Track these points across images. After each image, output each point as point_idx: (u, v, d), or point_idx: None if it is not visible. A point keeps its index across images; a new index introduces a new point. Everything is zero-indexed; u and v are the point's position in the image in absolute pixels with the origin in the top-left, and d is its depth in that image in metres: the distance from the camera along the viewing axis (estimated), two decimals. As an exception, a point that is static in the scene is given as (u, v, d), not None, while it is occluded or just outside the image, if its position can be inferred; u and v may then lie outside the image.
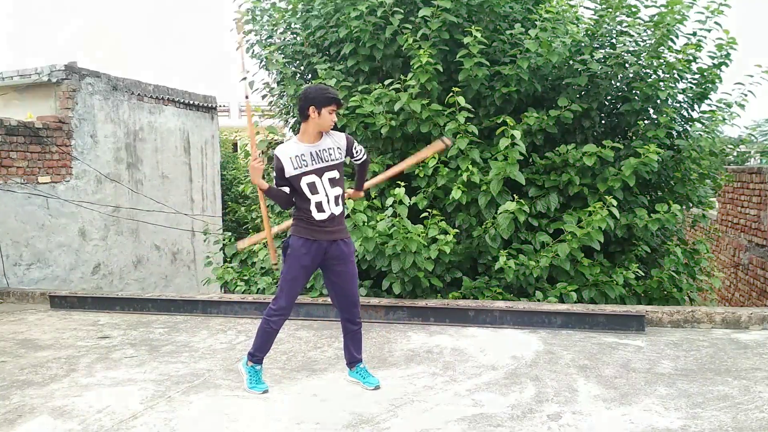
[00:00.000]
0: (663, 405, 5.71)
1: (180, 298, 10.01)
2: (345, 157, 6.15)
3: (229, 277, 10.83)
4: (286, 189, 6.06)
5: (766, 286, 11.73)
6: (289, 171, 5.92)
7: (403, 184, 9.31)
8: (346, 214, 6.67)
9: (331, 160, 6.00)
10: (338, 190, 6.05)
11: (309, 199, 5.96)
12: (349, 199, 7.19)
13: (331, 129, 6.05)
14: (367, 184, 7.02)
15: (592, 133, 10.65)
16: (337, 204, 6.04)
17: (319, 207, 5.97)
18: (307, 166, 5.93)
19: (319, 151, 5.98)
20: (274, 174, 6.03)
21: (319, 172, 5.96)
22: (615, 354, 7.25)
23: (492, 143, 9.85)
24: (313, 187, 5.95)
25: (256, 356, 6.31)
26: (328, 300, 7.16)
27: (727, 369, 6.68)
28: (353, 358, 6.40)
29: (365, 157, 6.42)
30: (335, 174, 6.03)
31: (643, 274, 9.71)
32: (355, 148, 6.22)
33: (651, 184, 10.68)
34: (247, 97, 6.67)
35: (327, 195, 5.98)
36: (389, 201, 9.22)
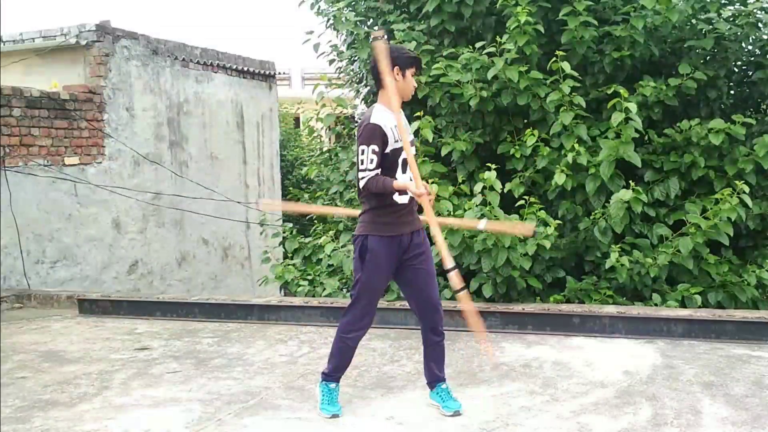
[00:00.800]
0: (804, 430, 5.68)
1: (232, 302, 10.11)
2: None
3: (290, 276, 10.77)
4: (379, 170, 5.88)
5: None
6: (391, 143, 5.83)
7: (494, 166, 9.24)
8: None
9: (410, 134, 6.01)
10: (408, 170, 5.99)
11: (398, 179, 5.91)
12: None
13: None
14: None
15: (719, 106, 10.62)
16: None
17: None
18: (400, 139, 5.86)
19: (404, 121, 5.96)
20: (374, 149, 5.75)
21: (407, 146, 5.89)
22: (746, 369, 7.21)
23: (602, 118, 9.86)
24: (405, 165, 5.91)
25: (332, 376, 6.27)
26: (407, 305, 7.14)
27: None
28: (434, 377, 6.29)
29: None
30: (413, 151, 5.99)
31: (779, 273, 9.57)
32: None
33: (789, 165, 10.50)
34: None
35: (405, 175, 5.94)
36: (478, 187, 9.10)
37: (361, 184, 5.76)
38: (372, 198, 5.88)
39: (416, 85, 6.01)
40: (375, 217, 5.95)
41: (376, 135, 5.72)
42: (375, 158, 5.69)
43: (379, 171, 5.74)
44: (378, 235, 5.88)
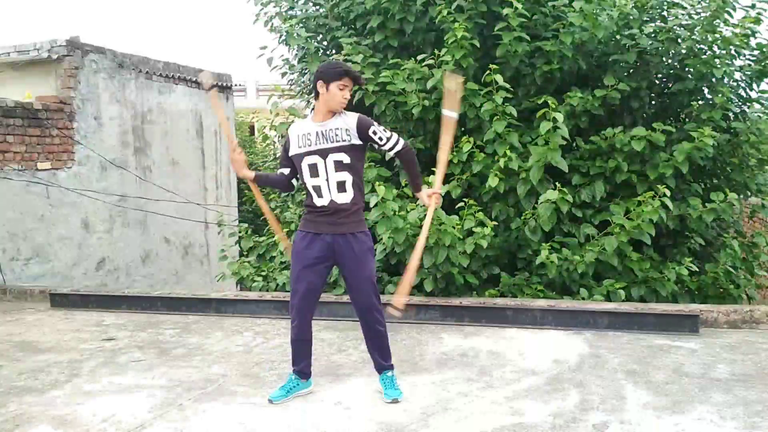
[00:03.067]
0: (719, 413, 5.69)
1: (192, 296, 10.08)
2: (360, 141, 5.97)
3: (246, 272, 10.79)
4: (286, 170, 6.14)
5: (833, 282, 11.65)
6: (294, 149, 5.97)
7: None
8: (361, 205, 6.46)
9: (337, 141, 5.92)
10: (344, 176, 5.95)
11: (306, 184, 5.98)
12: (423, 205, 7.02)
13: (348, 110, 6.03)
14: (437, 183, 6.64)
15: (641, 115, 10.66)
16: (341, 191, 5.95)
17: (318, 191, 5.96)
18: (310, 145, 5.92)
19: (326, 130, 5.93)
20: (282, 147, 6.10)
21: (323, 153, 5.91)
22: (666, 357, 7.24)
23: (532, 126, 9.83)
24: (314, 169, 5.93)
25: (292, 366, 6.31)
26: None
27: (789, 374, 6.66)
28: (379, 365, 6.32)
29: (399, 147, 6.10)
30: (342, 157, 5.92)
31: (697, 270, 9.62)
32: (375, 133, 5.94)
33: (705, 171, 10.61)
34: (214, 86, 6.70)
35: (328, 179, 5.93)
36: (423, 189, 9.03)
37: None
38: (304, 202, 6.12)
39: (347, 96, 5.96)
40: (303, 215, 6.14)
41: (286, 140, 6.12)
42: (281, 156, 6.26)
43: (282, 169, 6.21)
44: (300, 230, 6.07)
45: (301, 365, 6.31)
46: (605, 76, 10.06)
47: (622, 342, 7.86)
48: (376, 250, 9.28)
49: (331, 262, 6.13)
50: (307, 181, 5.97)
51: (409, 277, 6.15)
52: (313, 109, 6.17)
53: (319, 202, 5.96)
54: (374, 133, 5.94)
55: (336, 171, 5.93)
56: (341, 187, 5.95)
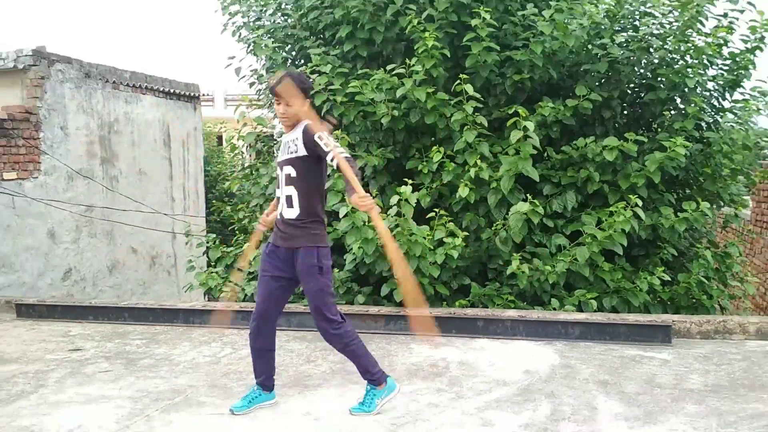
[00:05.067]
0: (691, 424, 5.71)
1: (159, 306, 10.03)
2: (306, 152, 5.85)
3: (214, 282, 10.72)
4: None
5: (805, 292, 11.73)
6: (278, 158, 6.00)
7: (410, 182, 9.25)
8: (320, 219, 6.35)
9: (290, 153, 5.93)
10: (290, 190, 5.93)
11: (276, 192, 6.04)
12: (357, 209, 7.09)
13: (315, 120, 6.01)
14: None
15: (613, 125, 10.67)
16: (289, 206, 5.94)
17: (279, 202, 6.02)
18: (279, 156, 5.99)
19: (286, 141, 5.99)
20: None
21: (281, 165, 5.96)
22: (638, 368, 7.26)
23: (503, 136, 9.84)
24: (285, 180, 5.94)
25: (255, 378, 6.31)
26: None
27: (762, 385, 6.69)
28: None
29: (335, 162, 5.73)
30: (290, 170, 5.91)
31: (669, 280, 9.66)
32: (318, 144, 5.73)
33: (678, 180, 10.67)
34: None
35: (282, 192, 5.97)
36: (394, 199, 9.07)
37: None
38: None
39: (279, 109, 5.96)
40: None
41: None
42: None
43: None
44: (268, 240, 6.10)
45: (262, 377, 6.30)
46: (577, 86, 10.06)
47: (593, 352, 7.87)
48: (345, 260, 9.31)
49: (289, 275, 6.08)
50: (277, 191, 6.05)
51: (408, 288, 6.20)
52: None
53: (279, 212, 6.02)
54: (319, 145, 5.71)
55: (285, 185, 5.94)
56: (288, 201, 5.95)
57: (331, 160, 5.79)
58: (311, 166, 5.93)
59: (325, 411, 6.18)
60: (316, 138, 5.73)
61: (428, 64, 9.55)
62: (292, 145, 5.91)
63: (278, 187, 6.01)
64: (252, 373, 6.28)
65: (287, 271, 6.03)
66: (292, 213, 5.92)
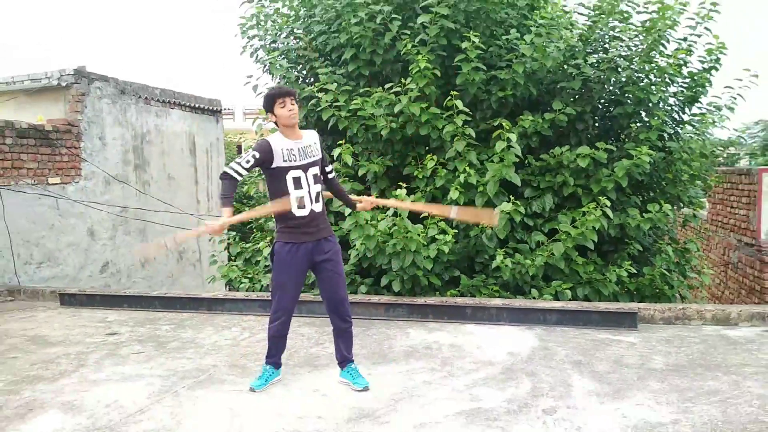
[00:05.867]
0: (655, 400, 5.72)
1: (186, 295, 10.05)
2: (321, 155, 6.16)
3: (234, 275, 10.78)
4: (244, 175, 6.01)
5: (755, 284, 11.72)
6: (278, 162, 5.88)
7: (405, 185, 9.30)
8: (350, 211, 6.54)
9: (313, 156, 6.02)
10: (319, 187, 6.05)
11: (291, 195, 5.91)
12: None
13: (323, 133, 6.07)
14: (376, 201, 6.89)
15: (585, 136, 10.63)
16: (317, 200, 6.01)
17: (301, 203, 5.93)
18: (295, 161, 5.91)
19: (304, 147, 5.99)
20: (253, 157, 5.85)
21: (305, 168, 5.95)
22: (608, 350, 7.25)
23: (489, 146, 9.78)
24: (297, 183, 5.91)
25: (268, 359, 6.35)
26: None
27: (717, 364, 6.68)
28: (344, 358, 6.34)
29: (334, 173, 6.45)
30: (317, 170, 6.06)
31: (635, 272, 9.68)
32: (322, 151, 6.20)
33: (643, 185, 10.65)
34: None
35: (310, 191, 5.96)
36: (390, 201, 9.04)
37: (225, 169, 5.89)
38: (277, 215, 6.03)
39: (291, 108, 5.92)
40: (280, 227, 6.07)
41: (261, 147, 5.87)
42: (251, 161, 5.84)
43: (239, 176, 5.92)
44: (282, 241, 6.00)
45: (276, 358, 6.37)
46: (553, 101, 10.09)
47: (568, 336, 7.86)
48: (350, 255, 9.33)
49: (309, 266, 6.13)
50: (292, 192, 5.92)
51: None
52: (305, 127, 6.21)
53: (300, 212, 5.94)
54: (324, 152, 6.13)
55: (314, 183, 5.99)
56: (318, 197, 6.02)
57: (332, 175, 6.29)
58: (321, 167, 6.17)
59: (332, 388, 6.19)
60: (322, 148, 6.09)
61: (422, 82, 9.53)
62: (313, 149, 6.03)
63: (297, 188, 5.93)
64: (272, 356, 6.29)
65: (309, 263, 6.07)
66: (319, 207, 6.03)
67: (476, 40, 9.45)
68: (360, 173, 10.02)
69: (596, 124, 11.12)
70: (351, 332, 6.32)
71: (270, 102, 5.94)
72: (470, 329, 8.30)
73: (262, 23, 11.58)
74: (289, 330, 6.26)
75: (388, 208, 9.17)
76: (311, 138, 6.09)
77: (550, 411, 5.52)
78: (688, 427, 5.14)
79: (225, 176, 5.85)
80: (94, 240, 14.10)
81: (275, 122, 6.02)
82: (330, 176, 6.37)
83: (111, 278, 14.64)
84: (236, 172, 5.83)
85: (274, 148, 5.87)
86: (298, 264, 6.01)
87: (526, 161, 10.10)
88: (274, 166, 5.89)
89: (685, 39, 10.51)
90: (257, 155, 5.85)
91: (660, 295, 9.76)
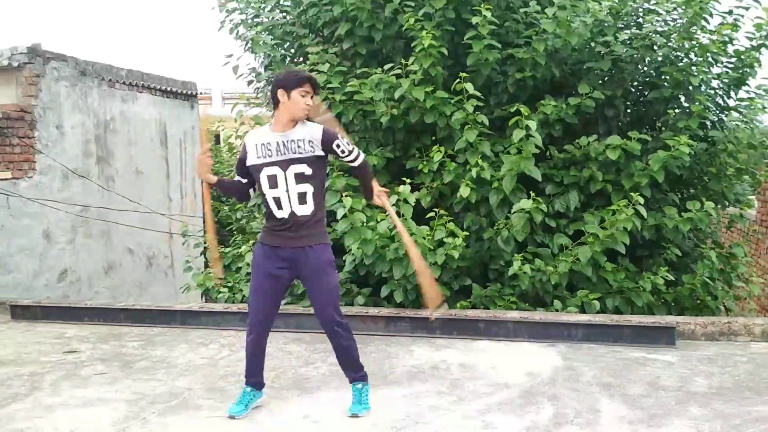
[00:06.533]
0: (696, 427, 5.72)
1: (156, 307, 10.04)
2: (324, 152, 6.02)
3: (211, 283, 10.76)
4: (243, 180, 6.12)
5: (810, 294, 11.72)
6: (252, 159, 5.94)
7: (408, 181, 9.29)
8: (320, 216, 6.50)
9: (299, 153, 5.92)
10: (306, 187, 5.95)
11: (266, 195, 5.94)
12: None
13: (311, 120, 6.05)
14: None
15: (616, 124, 10.66)
16: (302, 202, 5.95)
17: (278, 203, 5.93)
18: (271, 156, 5.91)
19: (287, 141, 5.93)
20: (239, 158, 6.12)
21: (284, 165, 5.91)
22: (642, 370, 7.25)
23: (504, 135, 9.80)
24: (273, 181, 5.91)
25: (248, 380, 6.33)
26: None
27: (767, 387, 6.68)
28: (350, 377, 6.33)
29: (360, 160, 6.22)
30: (304, 169, 5.93)
31: (673, 281, 9.61)
32: (339, 146, 6.00)
33: (682, 180, 10.60)
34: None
35: (288, 191, 5.91)
36: (392, 199, 8.95)
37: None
38: (265, 214, 6.07)
39: (309, 103, 5.94)
40: (263, 227, 6.17)
41: (242, 147, 6.06)
42: (237, 163, 6.14)
43: (239, 177, 6.17)
44: (259, 242, 6.09)
45: (257, 377, 6.36)
46: (579, 84, 10.03)
47: (596, 354, 7.87)
48: (345, 261, 9.30)
49: (291, 275, 6.15)
50: (266, 192, 5.95)
51: (427, 281, 6.36)
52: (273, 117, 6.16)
53: (278, 214, 5.94)
54: (338, 146, 5.99)
55: (296, 183, 5.93)
56: (302, 198, 5.95)
57: (354, 160, 6.13)
58: (323, 165, 6.11)
59: (324, 414, 6.19)
60: (339, 141, 6.00)
61: (426, 62, 9.51)
62: (304, 144, 5.94)
63: (272, 187, 5.94)
64: (248, 374, 6.29)
65: (289, 271, 6.06)
66: (306, 210, 5.94)
67: (489, 14, 9.40)
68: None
69: (628, 111, 11.10)
70: (347, 350, 6.26)
71: (295, 82, 5.89)
72: (483, 346, 8.31)
73: (244, -6, 11.56)
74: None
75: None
76: (309, 133, 5.98)
77: (575, 440, 5.52)
78: (734, 458, 5.15)
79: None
80: (50, 243, 14.04)
81: (277, 104, 5.97)
82: (355, 165, 6.24)
83: (70, 287, 14.56)
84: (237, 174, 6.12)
85: (248, 144, 5.98)
86: (269, 269, 6.03)
87: (548, 153, 10.11)
88: (248, 164, 5.96)
89: (730, 12, 10.42)
90: (239, 156, 6.06)
91: (702, 307, 9.73)
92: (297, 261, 6.00)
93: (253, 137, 6.02)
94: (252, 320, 6.15)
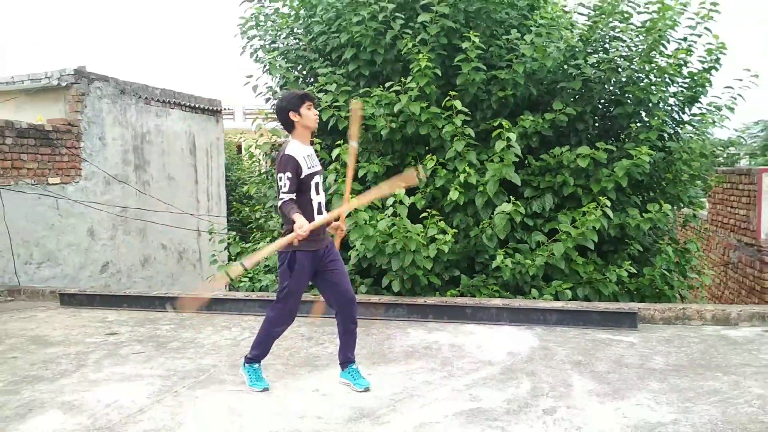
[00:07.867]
0: (655, 400, 5.72)
1: (186, 295, 9.97)
2: None
3: (234, 275, 10.69)
4: (294, 195, 5.91)
5: (755, 284, 11.72)
6: (305, 170, 5.85)
7: (404, 186, 9.25)
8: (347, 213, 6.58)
9: (317, 165, 6.05)
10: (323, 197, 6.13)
11: (312, 200, 5.90)
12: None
13: (323, 132, 6.07)
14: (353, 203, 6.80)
15: (586, 136, 10.66)
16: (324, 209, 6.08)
17: (320, 208, 5.95)
18: (316, 166, 5.95)
19: (311, 153, 6.03)
20: (288, 179, 5.78)
21: (320, 173, 6.02)
22: (608, 350, 7.26)
23: (488, 146, 9.80)
24: (317, 188, 5.95)
25: (256, 360, 6.28)
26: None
27: (717, 365, 6.68)
28: (346, 359, 6.31)
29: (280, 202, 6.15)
30: (321, 179, 6.10)
31: (635, 273, 9.68)
32: None
33: (643, 184, 10.66)
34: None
35: (320, 198, 5.99)
36: (390, 201, 9.14)
37: (279, 203, 5.83)
38: (290, 222, 5.80)
39: (317, 113, 6.01)
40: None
41: (290, 164, 5.77)
42: (289, 183, 5.74)
43: (293, 195, 5.78)
44: (303, 250, 5.87)
45: (264, 356, 6.36)
46: (554, 101, 10.11)
47: (568, 336, 7.87)
48: (350, 255, 9.34)
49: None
50: (314, 198, 5.93)
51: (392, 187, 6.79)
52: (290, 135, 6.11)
53: (319, 218, 5.92)
54: None
55: (321, 191, 6.03)
56: (321, 206, 6.05)
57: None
58: None
59: (332, 388, 6.19)
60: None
61: (422, 81, 9.57)
62: (316, 158, 6.06)
63: (318, 194, 5.98)
64: (264, 355, 6.27)
65: (317, 268, 6.08)
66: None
67: (476, 39, 9.48)
68: (360, 173, 10.00)
69: (596, 124, 11.13)
70: (356, 334, 6.31)
71: (298, 101, 5.92)
72: (470, 329, 8.30)
73: (262, 24, 11.60)
74: (287, 329, 6.26)
75: (387, 208, 9.17)
76: (311, 146, 6.13)
77: (550, 411, 5.51)
78: (688, 427, 5.14)
79: (283, 204, 5.78)
80: (94, 240, 14.12)
81: (293, 125, 5.96)
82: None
83: (111, 278, 14.64)
84: (288, 195, 5.78)
85: (297, 158, 5.83)
86: (312, 271, 6.05)
87: (526, 161, 10.14)
88: (303, 175, 5.85)
89: (685, 39, 10.55)
90: (290, 173, 5.78)
91: (660, 295, 9.77)
92: (322, 256, 6.02)
93: (296, 151, 5.87)
94: (290, 317, 6.11)
